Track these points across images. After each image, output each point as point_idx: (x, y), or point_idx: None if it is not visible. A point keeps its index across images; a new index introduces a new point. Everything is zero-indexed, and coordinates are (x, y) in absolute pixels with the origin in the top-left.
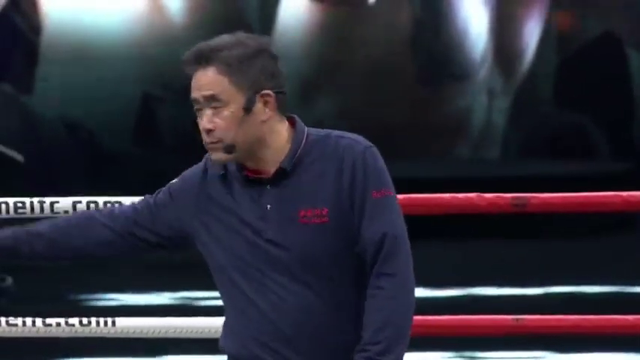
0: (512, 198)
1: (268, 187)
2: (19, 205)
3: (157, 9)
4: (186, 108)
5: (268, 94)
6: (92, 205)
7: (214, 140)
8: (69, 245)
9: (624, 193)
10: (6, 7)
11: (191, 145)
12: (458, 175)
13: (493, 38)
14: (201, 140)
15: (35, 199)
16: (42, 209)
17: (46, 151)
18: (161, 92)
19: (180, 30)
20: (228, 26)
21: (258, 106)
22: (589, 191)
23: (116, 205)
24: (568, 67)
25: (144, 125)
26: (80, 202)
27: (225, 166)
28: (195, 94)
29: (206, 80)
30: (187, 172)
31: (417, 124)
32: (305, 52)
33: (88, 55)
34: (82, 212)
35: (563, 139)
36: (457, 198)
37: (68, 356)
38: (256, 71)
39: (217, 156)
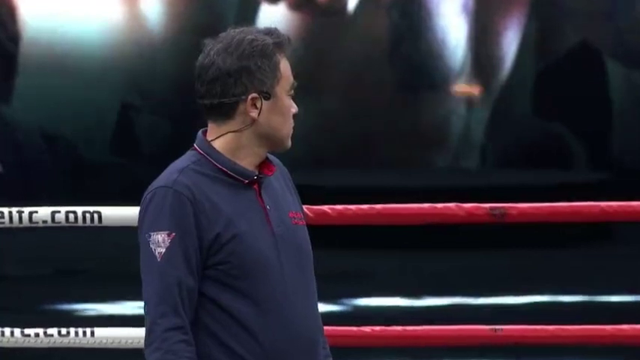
0: (491, 208)
1: (255, 187)
2: None
3: (135, 17)
4: (163, 117)
5: None
6: (71, 215)
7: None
8: None
9: (602, 203)
10: None
11: (169, 154)
12: (435, 185)
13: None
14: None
15: (14, 209)
16: (20, 219)
17: (25, 161)
18: (139, 101)
19: (158, 38)
20: (207, 35)
21: None
22: (566, 201)
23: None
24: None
25: (122, 135)
26: (59, 211)
27: (204, 172)
28: (292, 79)
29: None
30: (175, 208)
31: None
32: None
33: (66, 65)
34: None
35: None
36: (436, 208)
37: None
38: None
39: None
